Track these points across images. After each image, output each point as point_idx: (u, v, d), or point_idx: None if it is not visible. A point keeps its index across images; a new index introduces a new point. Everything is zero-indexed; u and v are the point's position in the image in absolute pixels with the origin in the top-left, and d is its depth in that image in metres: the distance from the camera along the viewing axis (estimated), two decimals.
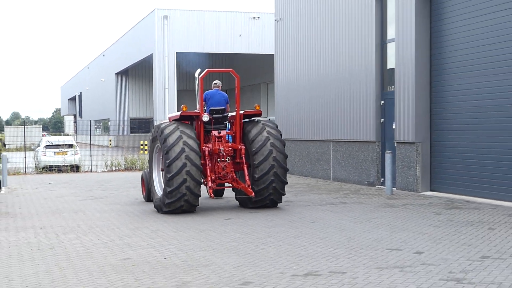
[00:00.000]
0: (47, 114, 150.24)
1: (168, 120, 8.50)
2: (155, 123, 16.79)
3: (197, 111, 8.27)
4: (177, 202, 7.35)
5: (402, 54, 9.67)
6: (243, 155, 7.93)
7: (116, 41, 39.11)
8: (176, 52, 27.57)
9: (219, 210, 8.07)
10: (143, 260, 4.81)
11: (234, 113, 8.24)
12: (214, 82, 8.90)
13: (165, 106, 27.33)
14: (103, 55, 42.97)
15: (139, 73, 39.18)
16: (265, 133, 7.91)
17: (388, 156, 9.29)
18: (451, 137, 9.02)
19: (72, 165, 17.67)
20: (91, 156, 18.23)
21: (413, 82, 9.32)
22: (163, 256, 5.01)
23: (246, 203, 8.06)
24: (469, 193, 8.43)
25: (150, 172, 8.53)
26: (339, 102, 12.02)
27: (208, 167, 7.82)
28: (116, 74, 39.39)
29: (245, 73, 30.77)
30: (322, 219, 7.11)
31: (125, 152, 19.24)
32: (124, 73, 39.45)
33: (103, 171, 17.22)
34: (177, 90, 28.32)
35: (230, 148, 7.92)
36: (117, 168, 17.49)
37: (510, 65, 7.78)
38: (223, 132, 8.11)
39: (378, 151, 10.58)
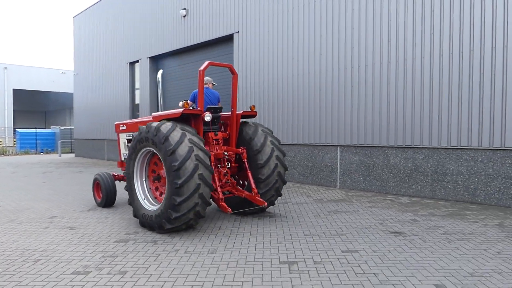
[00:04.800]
0: None
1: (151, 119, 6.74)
2: None
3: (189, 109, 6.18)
4: (187, 215, 5.40)
5: (143, 96, 17.33)
6: (245, 160, 6.46)
7: None
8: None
9: None
10: None
11: (227, 113, 6.89)
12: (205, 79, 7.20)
13: None
14: None
15: None
16: (261, 132, 6.73)
17: None
18: None
19: None
20: None
21: (148, 110, 16.81)
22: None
23: (242, 206, 6.61)
24: None
25: (131, 183, 6.17)
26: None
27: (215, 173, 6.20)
28: None
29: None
30: None
31: None
32: None
33: None
34: None
35: (231, 152, 6.53)
36: None
37: None
38: (220, 134, 6.60)
39: None
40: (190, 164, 5.37)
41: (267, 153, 6.62)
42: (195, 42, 14.18)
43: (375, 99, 9.21)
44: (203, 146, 5.68)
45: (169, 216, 5.45)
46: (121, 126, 8.16)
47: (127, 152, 7.46)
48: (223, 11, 13.04)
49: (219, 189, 6.10)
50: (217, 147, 6.56)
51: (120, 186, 9.39)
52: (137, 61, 17.47)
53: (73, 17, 22.58)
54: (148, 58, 16.65)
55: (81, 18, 21.83)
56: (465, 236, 5.56)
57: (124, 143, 8.05)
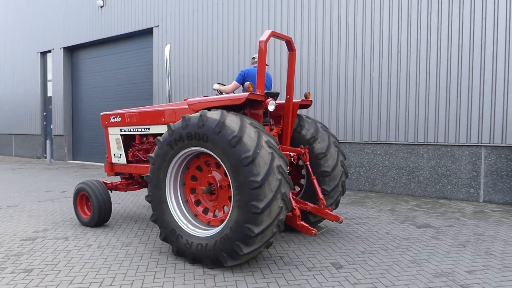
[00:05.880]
0: None
1: (186, 106, 4.95)
2: None
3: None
4: (260, 249, 3.89)
5: (56, 88, 16.21)
6: (307, 162, 4.95)
7: None
8: None
9: None
10: None
11: (281, 102, 5.13)
12: (253, 57, 6.29)
13: None
14: None
15: None
16: (321, 129, 5.31)
17: (47, 142, 15.48)
18: (83, 132, 15.85)
19: None
20: None
21: (62, 103, 15.89)
22: None
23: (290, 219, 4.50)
24: (91, 160, 15.56)
25: (159, 193, 4.37)
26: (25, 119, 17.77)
27: None
28: None
29: None
30: (6, 178, 11.06)
31: None
32: None
33: None
34: None
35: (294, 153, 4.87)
36: None
37: (105, 96, 15.56)
38: (276, 130, 5.05)
39: (42, 140, 16.77)
40: (273, 181, 3.70)
41: (334, 158, 5.18)
42: (113, 34, 13.64)
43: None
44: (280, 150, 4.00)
45: (236, 251, 3.80)
46: (112, 117, 6.23)
47: (121, 152, 6.12)
48: (142, 4, 12.72)
49: (294, 204, 4.46)
50: None
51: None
52: (50, 51, 16.29)
53: None
54: (62, 49, 15.62)
55: None
56: (362, 220, 6.18)
57: (117, 139, 6.19)
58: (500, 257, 4.48)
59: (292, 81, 5.05)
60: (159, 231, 4.54)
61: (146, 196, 4.52)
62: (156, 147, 4.42)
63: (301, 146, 5.07)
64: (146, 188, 6.91)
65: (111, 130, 6.29)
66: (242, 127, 3.83)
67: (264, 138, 3.88)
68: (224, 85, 5.97)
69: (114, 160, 6.28)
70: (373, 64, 8.55)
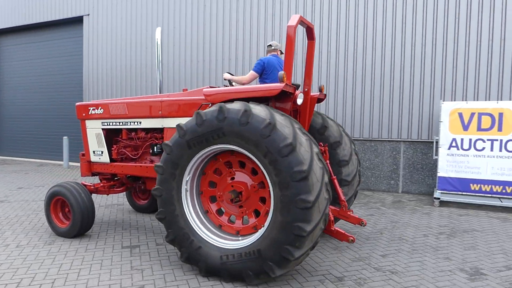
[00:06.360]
0: None
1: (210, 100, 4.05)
2: None
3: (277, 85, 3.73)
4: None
5: None
6: (327, 160, 4.52)
7: None
8: None
9: None
10: None
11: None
12: (269, 44, 5.70)
13: None
14: None
15: None
16: (343, 132, 4.96)
17: None
18: (4, 124, 14.70)
19: None
20: None
21: None
22: None
23: None
24: (13, 155, 14.44)
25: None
26: None
27: None
28: None
29: None
30: None
31: None
32: None
33: None
34: None
35: None
36: None
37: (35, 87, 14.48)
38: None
39: None
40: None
41: (354, 167, 4.88)
42: (39, 21, 12.74)
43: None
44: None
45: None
46: (91, 109, 5.32)
47: (103, 149, 5.28)
48: None
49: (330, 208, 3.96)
50: None
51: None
52: None
53: None
54: None
55: None
56: None
57: (98, 134, 5.30)
58: (410, 241, 4.92)
59: (310, 72, 4.58)
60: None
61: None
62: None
63: (320, 143, 4.68)
64: (125, 191, 6.06)
65: (90, 124, 5.38)
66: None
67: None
68: (232, 75, 5.32)
69: (94, 159, 5.37)
70: None
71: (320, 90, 4.75)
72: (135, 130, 5.11)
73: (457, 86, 7.62)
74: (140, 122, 4.93)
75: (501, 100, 7.26)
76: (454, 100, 7.58)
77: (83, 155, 5.50)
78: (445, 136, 6.94)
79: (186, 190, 3.77)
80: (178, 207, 3.73)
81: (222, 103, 3.52)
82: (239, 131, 3.34)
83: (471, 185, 6.77)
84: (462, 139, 6.83)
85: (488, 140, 6.65)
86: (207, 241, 3.67)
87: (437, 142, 7.21)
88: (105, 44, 11.41)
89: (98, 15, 11.55)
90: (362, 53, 8.32)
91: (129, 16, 11.02)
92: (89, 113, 5.35)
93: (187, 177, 3.74)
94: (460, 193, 6.84)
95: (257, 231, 3.61)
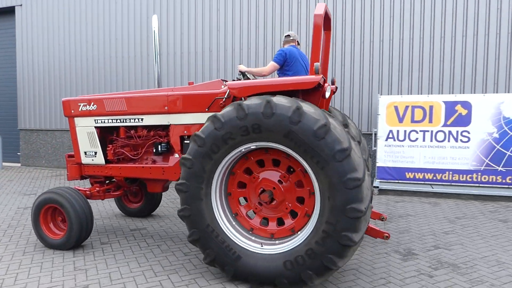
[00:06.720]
0: None
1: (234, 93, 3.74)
2: None
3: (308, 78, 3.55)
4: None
5: None
6: None
7: None
8: None
9: None
10: None
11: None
12: (287, 34, 5.38)
13: None
14: None
15: None
16: (350, 121, 4.66)
17: None
18: None
19: None
20: None
21: None
22: None
23: None
24: None
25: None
26: None
27: None
28: None
29: None
30: None
31: None
32: None
33: None
34: None
35: None
36: None
37: None
38: None
39: None
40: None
41: (364, 145, 4.53)
42: None
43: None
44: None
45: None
46: (82, 105, 4.76)
47: (97, 149, 4.75)
48: None
49: None
50: None
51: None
52: None
53: None
54: None
55: None
56: None
57: (91, 133, 4.77)
58: None
59: (326, 64, 4.40)
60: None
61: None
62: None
63: None
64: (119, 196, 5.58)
65: (81, 121, 4.80)
66: (344, 134, 3.06)
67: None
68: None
69: (86, 160, 4.81)
70: None
71: (333, 82, 4.38)
72: (135, 127, 4.65)
73: (393, 81, 8.09)
74: (142, 119, 4.49)
75: (431, 93, 7.81)
76: (391, 94, 8.04)
77: (70, 156, 4.95)
78: (382, 128, 7.35)
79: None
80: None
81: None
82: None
83: (406, 173, 7.25)
84: (398, 131, 7.28)
85: (420, 131, 7.15)
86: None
87: (375, 134, 7.62)
88: (40, 38, 10.77)
89: (32, 6, 10.85)
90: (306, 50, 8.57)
91: (66, 9, 10.46)
92: (79, 109, 4.77)
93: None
94: (397, 181, 7.30)
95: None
